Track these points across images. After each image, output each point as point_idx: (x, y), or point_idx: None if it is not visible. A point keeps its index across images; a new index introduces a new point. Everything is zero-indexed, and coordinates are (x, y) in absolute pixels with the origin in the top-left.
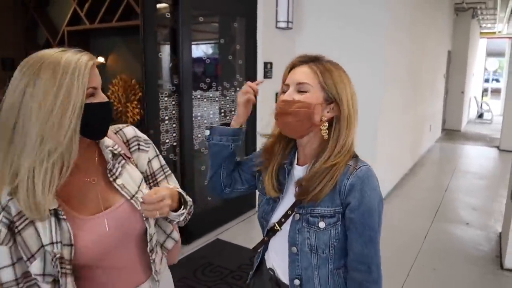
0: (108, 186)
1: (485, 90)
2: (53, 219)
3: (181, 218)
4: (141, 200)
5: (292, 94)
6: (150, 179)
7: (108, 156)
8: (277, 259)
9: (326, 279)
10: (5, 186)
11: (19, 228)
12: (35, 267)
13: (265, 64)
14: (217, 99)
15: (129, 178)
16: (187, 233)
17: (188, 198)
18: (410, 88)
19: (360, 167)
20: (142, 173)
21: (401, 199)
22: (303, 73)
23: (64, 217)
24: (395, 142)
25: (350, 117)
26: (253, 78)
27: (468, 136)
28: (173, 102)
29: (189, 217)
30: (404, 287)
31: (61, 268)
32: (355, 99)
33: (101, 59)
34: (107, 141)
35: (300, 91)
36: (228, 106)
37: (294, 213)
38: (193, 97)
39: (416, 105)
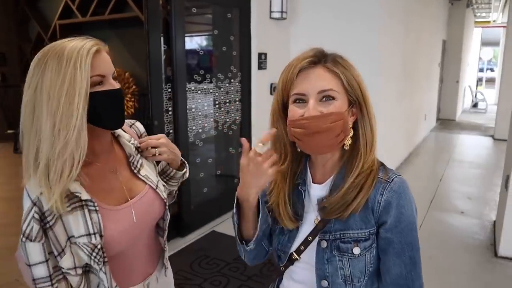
0: (130, 177)
1: (479, 80)
2: (86, 211)
3: (185, 176)
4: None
5: (316, 106)
6: (161, 174)
7: (132, 149)
8: None
9: None
10: (33, 178)
11: (51, 223)
12: (66, 262)
13: (259, 55)
14: (211, 90)
15: (150, 169)
16: (183, 226)
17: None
18: (404, 77)
19: (392, 179)
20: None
21: None
22: (323, 78)
23: (96, 208)
24: (390, 132)
25: (374, 116)
26: (247, 69)
27: (463, 125)
28: (167, 95)
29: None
30: None
31: (104, 257)
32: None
33: None
34: (122, 133)
35: (324, 101)
36: (222, 97)
37: (318, 239)
38: (187, 89)
39: (411, 94)
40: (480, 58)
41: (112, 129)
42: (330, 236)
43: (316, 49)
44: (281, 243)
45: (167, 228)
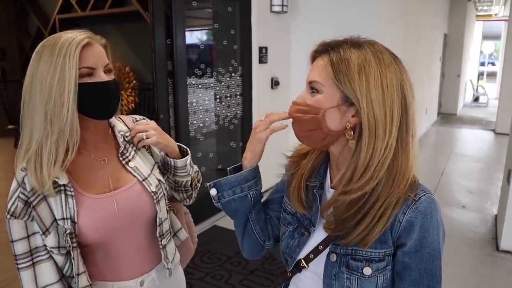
0: (119, 168)
1: (481, 74)
2: (62, 195)
3: (187, 165)
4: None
5: (304, 95)
6: (165, 168)
7: (120, 139)
8: None
9: None
10: (20, 161)
11: (34, 203)
12: (50, 240)
13: (260, 48)
14: (212, 85)
15: (142, 162)
16: None
17: (193, 165)
18: None
19: (419, 198)
20: (156, 162)
21: None
22: (316, 69)
23: (72, 193)
24: None
25: (378, 128)
26: (248, 63)
27: (464, 119)
28: (169, 89)
29: (199, 185)
30: None
31: (72, 242)
32: (384, 99)
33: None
34: (120, 126)
35: (312, 92)
36: (223, 92)
37: (328, 251)
38: (188, 83)
39: None
40: (481, 52)
41: (99, 119)
42: (342, 250)
43: (347, 37)
44: (290, 247)
45: (160, 226)
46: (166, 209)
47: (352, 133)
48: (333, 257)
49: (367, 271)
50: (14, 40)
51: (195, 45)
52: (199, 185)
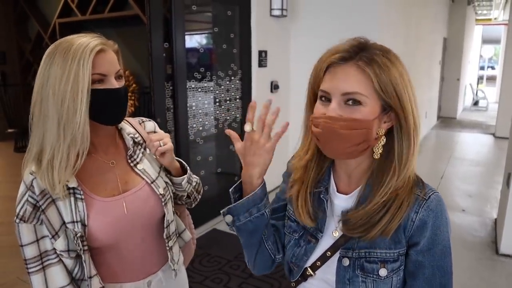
0: (128, 171)
1: (480, 78)
2: (72, 199)
3: (184, 183)
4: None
5: (337, 109)
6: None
7: (129, 142)
8: None
9: None
10: (29, 164)
11: (43, 207)
12: (59, 244)
13: (260, 52)
14: (211, 88)
15: (150, 164)
16: None
17: (194, 176)
18: None
19: (429, 196)
20: (163, 165)
21: None
22: (352, 79)
23: (82, 197)
24: None
25: (416, 126)
26: (247, 66)
27: (463, 123)
28: (168, 92)
29: (199, 196)
30: None
31: (83, 246)
32: (415, 98)
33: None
34: (128, 128)
35: (349, 104)
36: (223, 95)
37: (339, 256)
38: (187, 87)
39: None
40: (481, 56)
41: (109, 124)
42: (354, 254)
43: (355, 40)
44: (296, 256)
45: (167, 227)
46: (173, 211)
47: (385, 140)
48: (346, 262)
49: (383, 272)
50: (14, 44)
51: (194, 48)
52: (199, 197)
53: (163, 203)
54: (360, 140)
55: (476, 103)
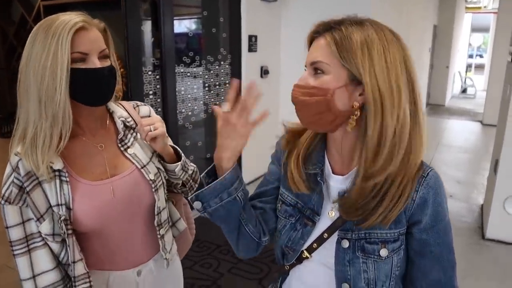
0: (117, 155)
1: (469, 66)
2: (57, 181)
3: (178, 170)
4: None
5: (307, 77)
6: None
7: (120, 126)
8: None
9: None
10: (15, 145)
11: (28, 189)
12: (45, 227)
13: (250, 37)
14: (201, 73)
15: (141, 149)
16: None
17: (190, 164)
18: None
19: (428, 173)
20: (156, 151)
21: None
22: (318, 49)
23: (67, 179)
24: None
25: (384, 99)
26: (237, 51)
27: (452, 110)
28: (157, 77)
29: (196, 185)
30: None
31: (67, 229)
32: (397, 72)
33: None
34: (120, 111)
35: (317, 73)
36: (212, 80)
37: (338, 238)
38: (176, 71)
39: None
40: (470, 44)
41: (91, 105)
42: (353, 235)
43: (339, 17)
44: (292, 240)
45: (158, 215)
46: (165, 198)
47: (359, 112)
48: (345, 244)
49: (384, 252)
50: None
51: (183, 33)
52: (195, 185)
53: (153, 189)
54: (322, 109)
55: (464, 91)
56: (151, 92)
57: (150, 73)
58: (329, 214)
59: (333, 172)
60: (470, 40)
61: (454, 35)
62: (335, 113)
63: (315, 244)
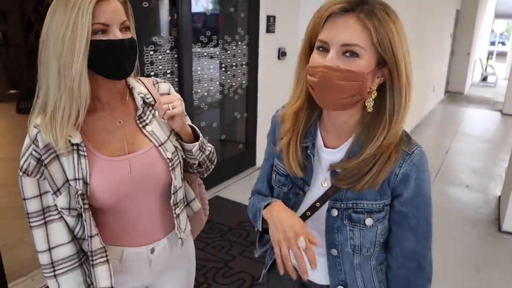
0: (136, 131)
1: (490, 53)
2: (75, 155)
3: (195, 150)
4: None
5: (335, 59)
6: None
7: (139, 102)
8: None
9: (370, 277)
10: (34, 117)
11: (46, 162)
12: (61, 201)
13: (268, 17)
14: (217, 53)
15: (160, 127)
16: None
17: (208, 144)
18: (416, 47)
19: (413, 151)
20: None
21: None
22: (351, 30)
23: (85, 153)
24: None
25: (409, 84)
26: (255, 32)
27: (471, 99)
28: (173, 56)
29: (212, 166)
30: None
31: (83, 204)
32: (409, 56)
33: None
34: (140, 88)
35: (347, 55)
36: (229, 60)
37: (328, 207)
38: (193, 51)
39: (420, 65)
40: (492, 31)
41: (111, 78)
42: (342, 205)
43: None
44: None
45: (175, 194)
46: (181, 178)
47: (376, 94)
48: (334, 212)
49: (369, 221)
50: (16, 3)
51: (200, 12)
52: (212, 166)
53: (170, 168)
54: (354, 93)
55: (484, 79)
56: (168, 72)
57: (168, 51)
58: (322, 184)
59: (325, 146)
60: (493, 26)
61: (477, 20)
62: (362, 95)
63: (308, 212)
